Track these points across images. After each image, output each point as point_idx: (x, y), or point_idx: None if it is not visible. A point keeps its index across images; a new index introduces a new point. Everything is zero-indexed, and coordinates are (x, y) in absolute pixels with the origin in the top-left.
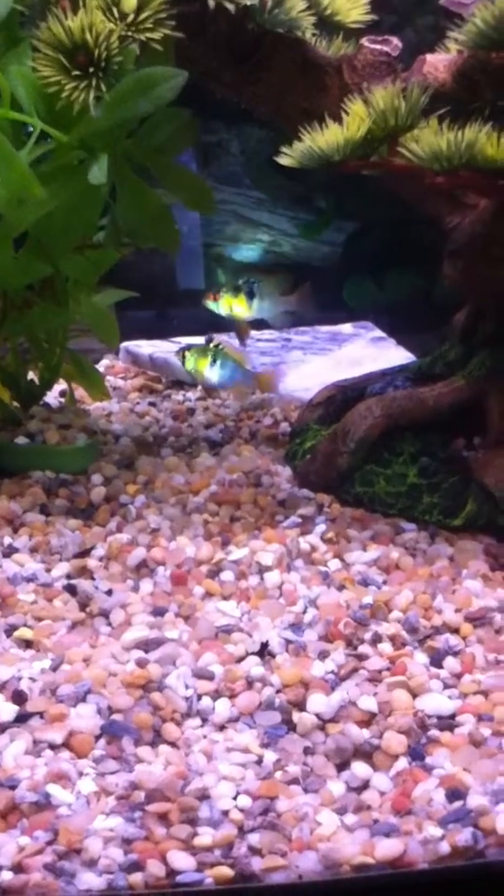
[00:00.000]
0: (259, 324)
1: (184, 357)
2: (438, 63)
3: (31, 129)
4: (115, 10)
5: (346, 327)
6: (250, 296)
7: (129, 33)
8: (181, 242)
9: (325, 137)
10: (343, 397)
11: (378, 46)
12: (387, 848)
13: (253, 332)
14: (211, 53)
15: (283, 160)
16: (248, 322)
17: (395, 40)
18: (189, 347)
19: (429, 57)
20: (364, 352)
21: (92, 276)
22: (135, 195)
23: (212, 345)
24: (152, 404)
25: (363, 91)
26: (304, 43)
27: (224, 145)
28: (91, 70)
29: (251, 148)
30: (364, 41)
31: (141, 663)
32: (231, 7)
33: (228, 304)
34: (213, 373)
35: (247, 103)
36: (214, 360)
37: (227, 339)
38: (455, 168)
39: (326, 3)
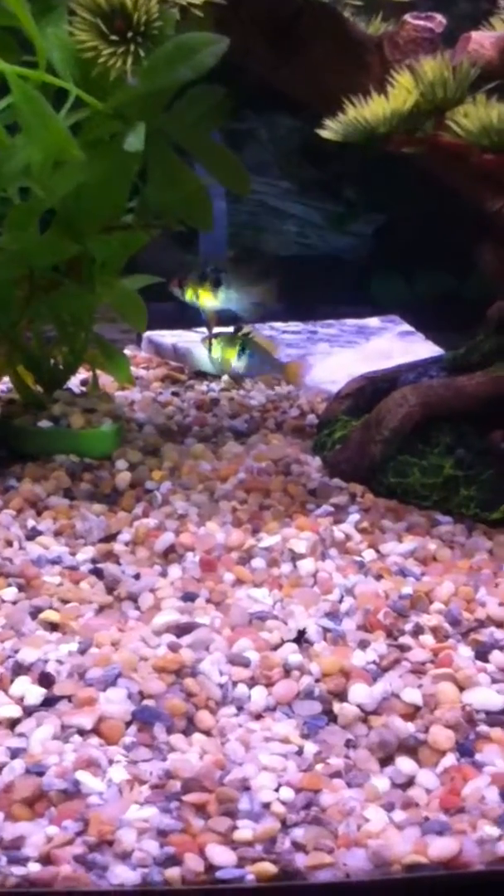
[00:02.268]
0: (282, 315)
1: (210, 345)
2: (484, 40)
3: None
4: None
5: (374, 321)
6: (216, 284)
7: None
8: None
9: (371, 109)
10: (373, 388)
11: (422, 22)
12: (441, 847)
13: (279, 324)
14: (246, 30)
15: (326, 133)
16: (215, 312)
17: (439, 17)
18: (216, 335)
19: (474, 34)
20: (392, 345)
21: (120, 259)
22: (169, 171)
23: (240, 333)
24: (175, 394)
25: (405, 69)
26: (344, 19)
27: (253, 134)
28: (129, 35)
29: (281, 137)
30: (407, 17)
31: (173, 647)
32: None
33: (192, 293)
34: (240, 362)
35: (281, 83)
36: (243, 350)
37: (256, 329)
38: None
39: None
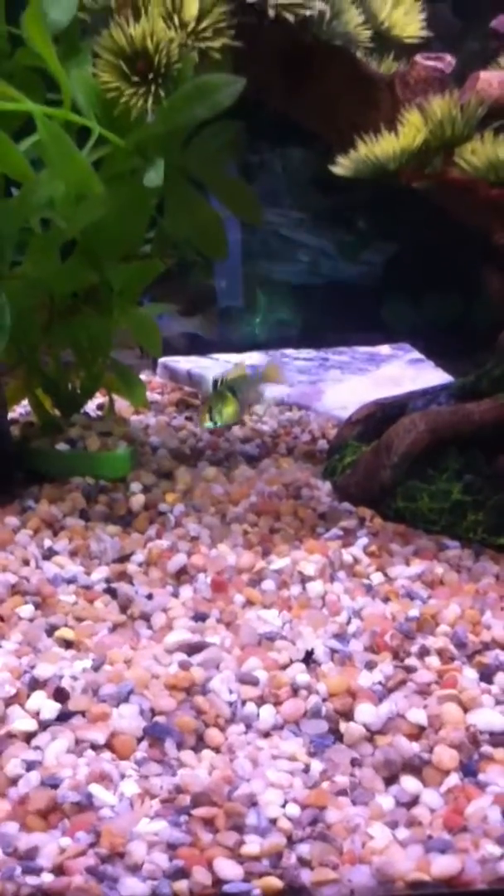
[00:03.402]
0: (295, 343)
1: (210, 414)
2: (492, 79)
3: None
4: (176, 18)
5: (385, 348)
6: None
7: (190, 41)
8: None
9: (381, 146)
10: (383, 414)
11: (431, 63)
12: (443, 865)
13: (290, 351)
14: (261, 65)
15: (338, 169)
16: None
17: (449, 57)
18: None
19: (482, 74)
20: (403, 372)
21: (137, 287)
22: (185, 203)
23: (220, 385)
24: (189, 419)
25: (415, 107)
26: (356, 58)
27: (266, 165)
28: (150, 77)
29: (293, 168)
30: (417, 57)
31: (184, 666)
32: (291, 18)
33: None
34: (239, 404)
35: (296, 116)
36: (233, 393)
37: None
38: None
39: (383, 16)
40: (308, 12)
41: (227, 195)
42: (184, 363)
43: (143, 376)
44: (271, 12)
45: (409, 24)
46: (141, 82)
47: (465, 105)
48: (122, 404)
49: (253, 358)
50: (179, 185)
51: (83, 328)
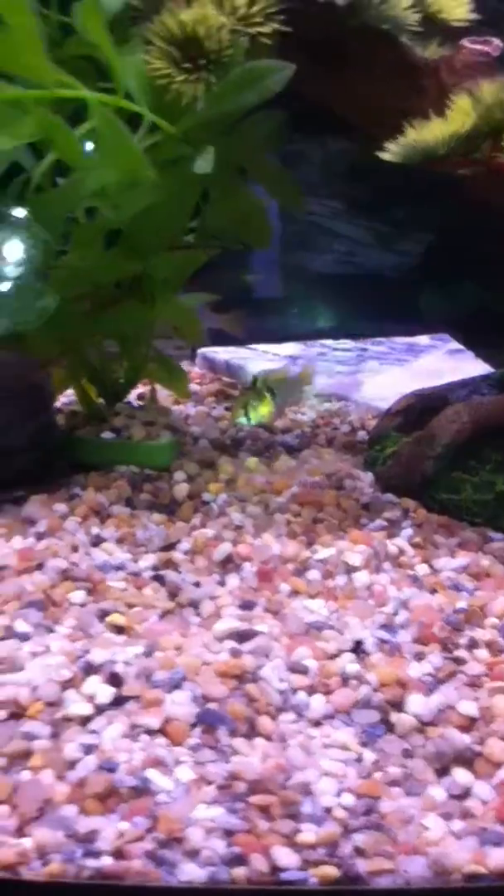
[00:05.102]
0: (333, 333)
1: (246, 413)
2: None
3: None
4: (226, 4)
5: (423, 339)
6: None
7: (240, 27)
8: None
9: (430, 131)
10: (423, 406)
11: (478, 46)
12: (499, 858)
13: (329, 342)
14: (302, 51)
15: (387, 156)
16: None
17: (497, 41)
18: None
19: None
20: (441, 363)
21: (180, 277)
22: (230, 192)
23: (257, 384)
24: (228, 409)
25: (463, 92)
26: (400, 43)
27: (304, 155)
28: (201, 63)
29: (331, 157)
30: (464, 41)
31: (234, 654)
32: (342, 1)
33: None
34: (275, 405)
35: (335, 105)
36: (272, 393)
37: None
38: None
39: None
40: None
41: (270, 183)
42: (223, 353)
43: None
44: None
45: (457, 7)
46: (191, 69)
47: None
48: (161, 393)
49: (290, 349)
50: (224, 173)
51: (126, 318)
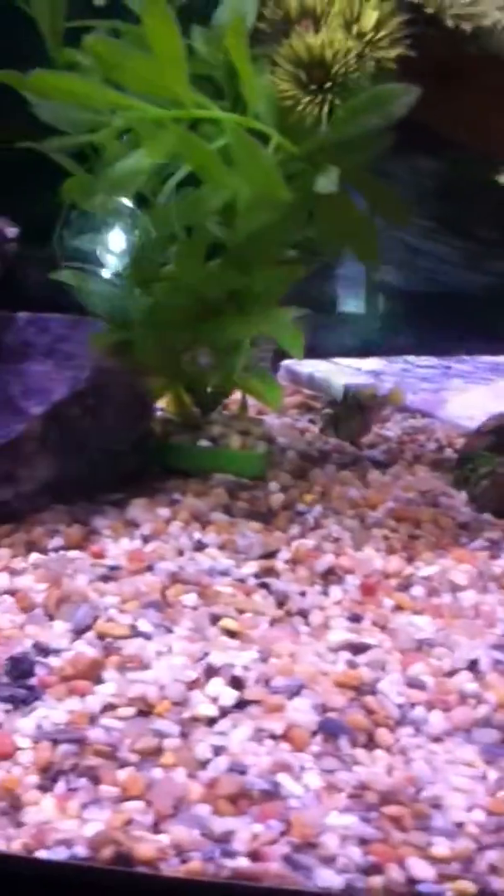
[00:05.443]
0: (416, 350)
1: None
2: None
3: None
4: (353, 29)
5: None
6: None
7: (367, 51)
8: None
9: None
10: None
11: None
12: None
13: (412, 358)
14: (415, 75)
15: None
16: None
17: None
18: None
19: None
20: None
21: (281, 290)
22: (339, 207)
23: (349, 400)
24: (312, 422)
25: None
26: None
27: (392, 173)
28: (327, 86)
29: (421, 177)
30: None
31: (351, 665)
32: (468, 28)
33: None
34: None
35: (439, 126)
36: (361, 411)
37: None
38: None
39: None
40: (487, 22)
41: (375, 198)
42: (306, 367)
43: None
44: (450, 22)
45: None
46: (318, 90)
47: None
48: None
49: (372, 364)
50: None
51: (225, 330)
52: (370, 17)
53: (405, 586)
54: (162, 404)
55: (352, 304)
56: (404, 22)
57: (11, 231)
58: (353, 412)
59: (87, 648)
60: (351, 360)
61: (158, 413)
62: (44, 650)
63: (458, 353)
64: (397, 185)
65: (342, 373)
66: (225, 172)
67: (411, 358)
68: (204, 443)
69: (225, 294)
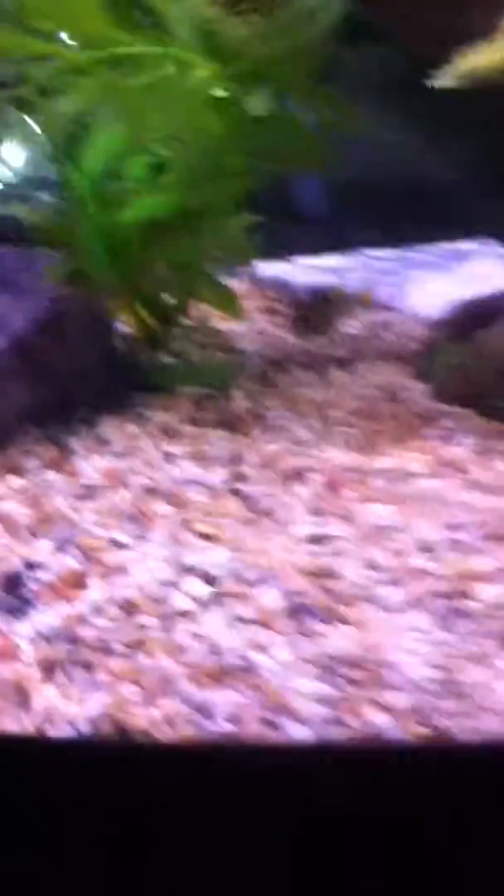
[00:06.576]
0: (374, 243)
1: None
2: None
3: None
4: None
5: (468, 244)
6: None
7: None
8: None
9: (482, 58)
10: (476, 313)
11: None
12: None
13: (372, 252)
14: None
15: (440, 82)
16: None
17: None
18: None
19: None
20: (490, 269)
21: (231, 202)
22: (277, 125)
23: None
24: (277, 325)
25: None
26: None
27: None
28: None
29: (370, 68)
30: None
31: (315, 554)
32: None
33: None
34: None
35: (376, 20)
36: None
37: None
38: None
39: None
40: None
41: (324, 108)
42: (268, 269)
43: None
44: None
45: None
46: (243, 11)
47: None
48: (209, 312)
49: (331, 261)
50: (273, 103)
51: (176, 245)
52: None
53: (366, 479)
54: (122, 324)
55: (308, 203)
56: None
57: None
58: (317, 312)
59: (71, 562)
60: (311, 260)
61: (119, 331)
62: (31, 566)
63: (419, 242)
64: (343, 75)
65: (304, 273)
66: (149, 111)
67: (371, 252)
68: (166, 358)
69: (175, 211)
